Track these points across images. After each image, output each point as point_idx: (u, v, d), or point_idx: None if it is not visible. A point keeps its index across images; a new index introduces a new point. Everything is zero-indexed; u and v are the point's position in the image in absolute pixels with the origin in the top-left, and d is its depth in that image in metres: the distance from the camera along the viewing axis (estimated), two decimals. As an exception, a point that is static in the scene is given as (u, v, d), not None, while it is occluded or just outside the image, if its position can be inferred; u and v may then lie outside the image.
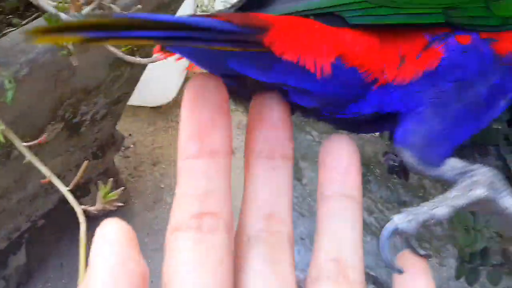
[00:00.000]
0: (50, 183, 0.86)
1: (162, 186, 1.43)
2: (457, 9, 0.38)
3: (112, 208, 0.59)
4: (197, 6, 1.98)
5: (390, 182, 0.84)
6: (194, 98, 0.30)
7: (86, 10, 0.62)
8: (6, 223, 1.08)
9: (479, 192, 0.37)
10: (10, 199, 1.02)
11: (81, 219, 0.60)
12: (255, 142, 0.32)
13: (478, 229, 0.61)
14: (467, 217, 0.62)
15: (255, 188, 0.31)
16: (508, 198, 0.38)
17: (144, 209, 1.39)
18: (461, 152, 0.68)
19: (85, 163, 0.61)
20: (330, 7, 0.36)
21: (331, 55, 0.35)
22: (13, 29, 0.78)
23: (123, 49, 0.70)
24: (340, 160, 0.34)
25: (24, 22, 0.80)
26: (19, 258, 1.19)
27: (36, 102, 0.83)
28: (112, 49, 0.69)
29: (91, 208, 0.60)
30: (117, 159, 1.44)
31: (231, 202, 0.29)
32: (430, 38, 0.38)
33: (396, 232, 0.37)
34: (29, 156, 0.60)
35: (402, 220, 0.36)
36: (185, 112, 0.30)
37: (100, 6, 0.67)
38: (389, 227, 0.36)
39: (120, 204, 0.58)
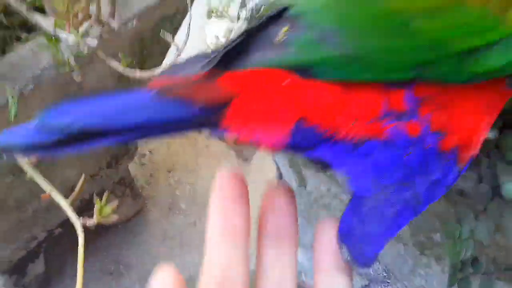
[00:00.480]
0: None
1: (178, 193, 1.45)
2: (430, 65, 0.39)
3: (108, 223, 0.60)
4: (212, 11, 2.00)
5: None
6: (221, 188, 0.37)
7: (84, 26, 0.65)
8: (23, 233, 1.11)
9: None
10: (25, 210, 1.06)
11: (79, 231, 0.63)
12: (266, 227, 0.38)
13: (465, 238, 0.62)
14: (454, 226, 0.63)
15: (265, 268, 0.38)
16: None
17: (160, 216, 1.41)
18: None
19: (82, 178, 0.63)
20: (304, 62, 0.38)
21: (291, 123, 0.38)
22: (21, 44, 0.81)
23: (122, 63, 0.72)
24: (331, 244, 0.40)
25: (32, 37, 0.83)
26: (38, 267, 1.23)
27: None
28: (113, 64, 0.72)
29: (90, 223, 0.62)
30: (133, 167, 1.46)
31: (248, 284, 0.35)
32: (385, 111, 0.39)
33: None
34: (30, 171, 0.62)
35: None
36: (213, 199, 0.36)
37: (99, 22, 0.69)
38: None
39: (115, 215, 0.60)
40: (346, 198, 0.96)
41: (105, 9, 0.70)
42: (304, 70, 0.37)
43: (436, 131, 0.40)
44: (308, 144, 0.39)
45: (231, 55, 0.38)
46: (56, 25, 0.61)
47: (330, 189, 0.98)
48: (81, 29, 0.63)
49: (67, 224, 1.23)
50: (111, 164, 1.23)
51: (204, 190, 1.44)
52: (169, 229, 1.39)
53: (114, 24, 0.67)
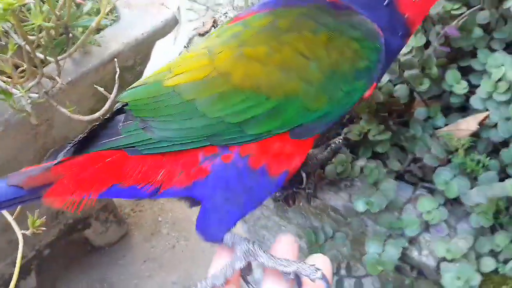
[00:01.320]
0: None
1: (160, 219, 1.62)
2: (217, 135, 0.56)
3: (40, 232, 0.77)
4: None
5: (303, 210, 0.98)
6: None
7: (31, 83, 0.83)
8: (13, 252, 1.29)
9: (238, 264, 0.56)
10: (14, 232, 1.24)
11: (20, 238, 0.79)
12: None
13: (320, 243, 0.76)
14: (311, 234, 0.77)
15: None
16: (261, 257, 0.56)
17: (143, 239, 1.58)
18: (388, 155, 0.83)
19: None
20: (131, 144, 0.57)
21: (105, 187, 0.58)
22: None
23: (69, 109, 0.90)
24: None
25: None
26: (29, 282, 1.40)
27: (19, 152, 1.04)
28: (62, 110, 0.90)
29: (28, 232, 0.79)
30: (122, 197, 1.64)
31: None
32: (203, 158, 0.57)
33: None
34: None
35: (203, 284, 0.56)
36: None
37: (48, 77, 0.88)
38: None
39: (42, 228, 0.76)
40: (278, 219, 1.11)
41: (52, 67, 0.89)
42: (131, 149, 0.57)
43: (244, 156, 0.57)
44: (135, 196, 0.59)
45: (89, 140, 0.59)
46: (6, 83, 0.80)
47: (263, 213, 1.13)
48: (28, 85, 0.82)
49: (56, 246, 1.42)
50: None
51: (184, 217, 1.61)
52: (150, 251, 1.55)
53: (59, 80, 0.86)
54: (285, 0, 0.62)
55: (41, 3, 0.83)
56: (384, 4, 0.60)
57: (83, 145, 0.60)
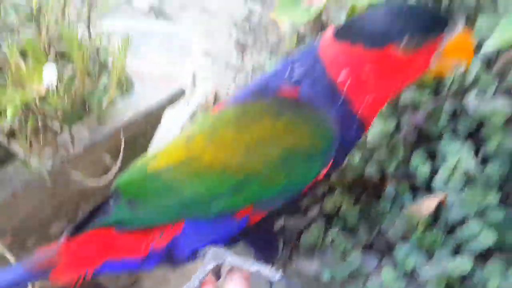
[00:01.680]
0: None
1: (169, 268, 1.72)
2: (190, 212, 0.67)
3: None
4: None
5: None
6: None
7: (48, 151, 0.95)
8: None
9: (209, 267, 0.66)
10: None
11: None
12: None
13: None
14: None
15: None
16: (228, 257, 0.66)
17: (153, 286, 1.68)
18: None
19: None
20: (118, 221, 0.69)
21: (98, 264, 0.70)
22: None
23: (81, 175, 1.02)
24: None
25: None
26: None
27: (38, 208, 1.16)
28: (75, 175, 1.02)
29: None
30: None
31: None
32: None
33: None
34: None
35: None
36: None
37: (63, 145, 1.00)
38: None
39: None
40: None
41: (68, 135, 1.01)
42: (119, 226, 0.69)
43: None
44: (135, 267, 0.69)
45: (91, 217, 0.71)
46: (26, 153, 0.92)
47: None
48: (45, 153, 0.94)
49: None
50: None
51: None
52: (159, 298, 1.65)
53: (71, 149, 0.98)
54: (253, 94, 0.72)
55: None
56: (338, 104, 0.69)
57: (86, 220, 0.72)
